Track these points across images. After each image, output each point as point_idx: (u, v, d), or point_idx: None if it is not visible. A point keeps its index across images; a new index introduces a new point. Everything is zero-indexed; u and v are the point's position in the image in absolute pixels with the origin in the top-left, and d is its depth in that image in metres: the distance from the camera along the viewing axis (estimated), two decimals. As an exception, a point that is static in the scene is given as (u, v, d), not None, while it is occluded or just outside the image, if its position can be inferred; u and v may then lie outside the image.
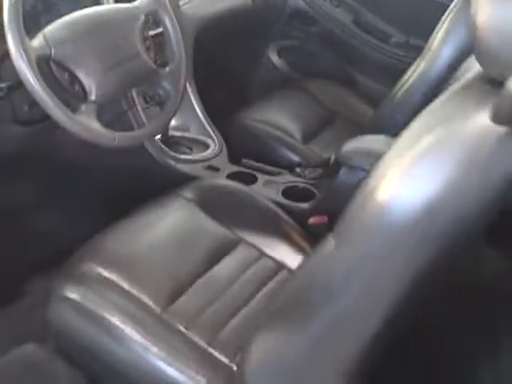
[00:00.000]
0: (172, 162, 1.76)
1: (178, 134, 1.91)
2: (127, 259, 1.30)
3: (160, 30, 1.51)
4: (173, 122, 1.95)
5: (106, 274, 1.25)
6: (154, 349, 1.14)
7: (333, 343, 0.90)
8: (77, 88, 1.24)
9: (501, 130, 0.70)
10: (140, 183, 1.67)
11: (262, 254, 1.40)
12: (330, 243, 0.87)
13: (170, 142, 1.85)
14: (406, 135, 0.83)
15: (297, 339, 0.93)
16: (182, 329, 1.18)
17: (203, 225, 1.44)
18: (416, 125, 0.84)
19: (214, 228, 1.43)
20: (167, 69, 1.43)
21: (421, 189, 0.76)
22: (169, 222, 1.43)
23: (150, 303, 1.21)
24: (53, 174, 1.68)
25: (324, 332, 0.90)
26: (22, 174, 1.61)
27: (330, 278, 0.87)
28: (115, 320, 1.17)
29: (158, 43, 1.62)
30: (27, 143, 1.45)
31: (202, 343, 1.17)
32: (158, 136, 1.84)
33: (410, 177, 0.78)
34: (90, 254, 1.30)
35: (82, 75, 1.22)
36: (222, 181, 1.67)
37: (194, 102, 1.95)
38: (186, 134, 1.93)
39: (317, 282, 0.90)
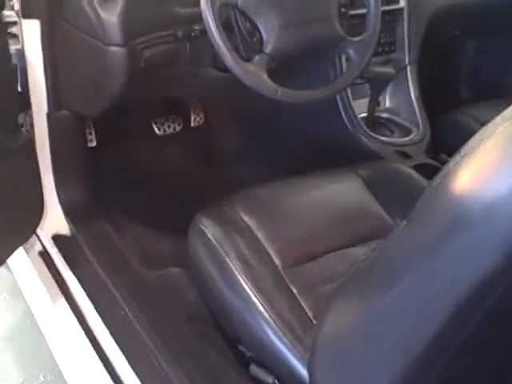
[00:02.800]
0: (364, 139, 1.75)
1: (385, 115, 1.89)
2: (272, 212, 1.32)
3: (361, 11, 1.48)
4: (387, 103, 1.94)
5: (246, 218, 1.28)
6: (260, 306, 1.13)
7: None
8: (255, 39, 1.29)
9: None
10: (327, 150, 1.69)
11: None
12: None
13: (373, 120, 1.84)
14: (487, 128, 0.74)
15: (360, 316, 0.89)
16: (295, 291, 1.17)
17: (363, 204, 1.39)
18: (499, 118, 0.75)
19: (373, 210, 1.38)
20: (358, 38, 1.41)
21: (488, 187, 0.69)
22: (328, 191, 1.41)
23: (276, 259, 1.22)
24: (244, 124, 1.77)
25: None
26: (217, 116, 1.72)
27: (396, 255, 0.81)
28: (233, 265, 1.19)
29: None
30: (221, 86, 1.55)
31: (310, 314, 1.13)
32: (364, 114, 1.84)
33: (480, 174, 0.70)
34: (239, 198, 1.34)
35: (262, 27, 1.27)
36: (403, 168, 1.59)
37: (410, 87, 1.90)
38: (393, 117, 1.89)
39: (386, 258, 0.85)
